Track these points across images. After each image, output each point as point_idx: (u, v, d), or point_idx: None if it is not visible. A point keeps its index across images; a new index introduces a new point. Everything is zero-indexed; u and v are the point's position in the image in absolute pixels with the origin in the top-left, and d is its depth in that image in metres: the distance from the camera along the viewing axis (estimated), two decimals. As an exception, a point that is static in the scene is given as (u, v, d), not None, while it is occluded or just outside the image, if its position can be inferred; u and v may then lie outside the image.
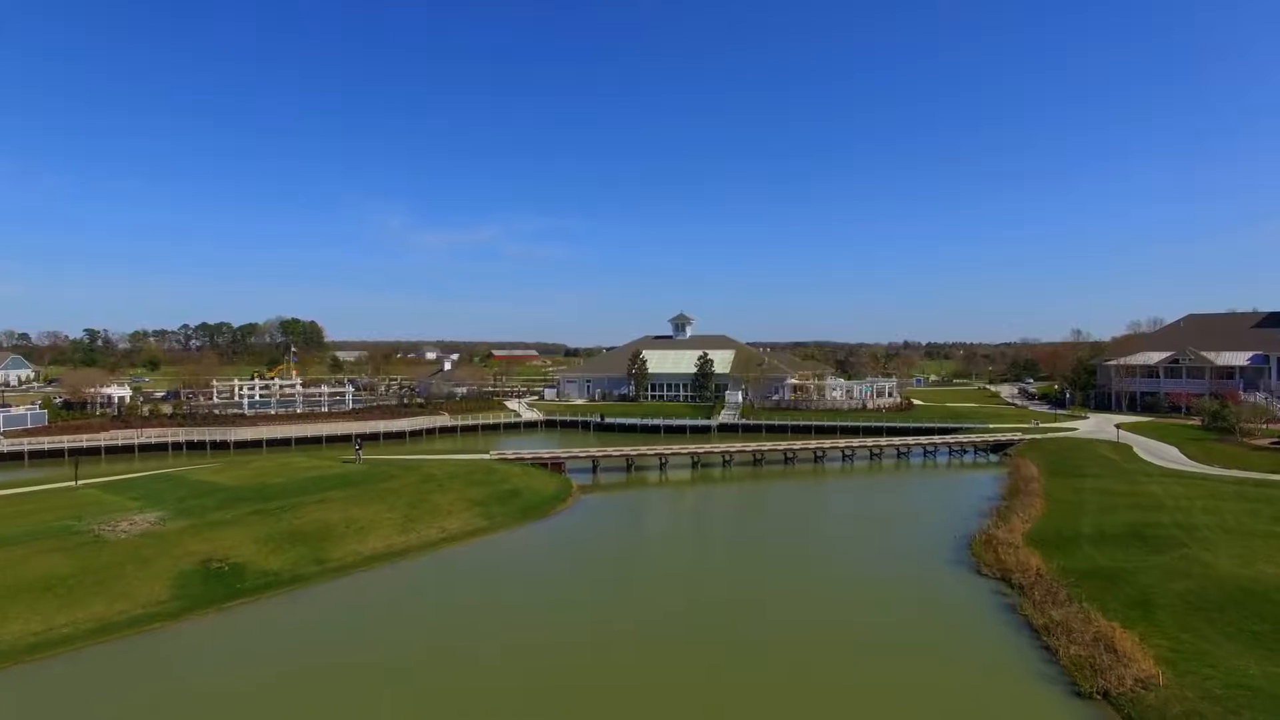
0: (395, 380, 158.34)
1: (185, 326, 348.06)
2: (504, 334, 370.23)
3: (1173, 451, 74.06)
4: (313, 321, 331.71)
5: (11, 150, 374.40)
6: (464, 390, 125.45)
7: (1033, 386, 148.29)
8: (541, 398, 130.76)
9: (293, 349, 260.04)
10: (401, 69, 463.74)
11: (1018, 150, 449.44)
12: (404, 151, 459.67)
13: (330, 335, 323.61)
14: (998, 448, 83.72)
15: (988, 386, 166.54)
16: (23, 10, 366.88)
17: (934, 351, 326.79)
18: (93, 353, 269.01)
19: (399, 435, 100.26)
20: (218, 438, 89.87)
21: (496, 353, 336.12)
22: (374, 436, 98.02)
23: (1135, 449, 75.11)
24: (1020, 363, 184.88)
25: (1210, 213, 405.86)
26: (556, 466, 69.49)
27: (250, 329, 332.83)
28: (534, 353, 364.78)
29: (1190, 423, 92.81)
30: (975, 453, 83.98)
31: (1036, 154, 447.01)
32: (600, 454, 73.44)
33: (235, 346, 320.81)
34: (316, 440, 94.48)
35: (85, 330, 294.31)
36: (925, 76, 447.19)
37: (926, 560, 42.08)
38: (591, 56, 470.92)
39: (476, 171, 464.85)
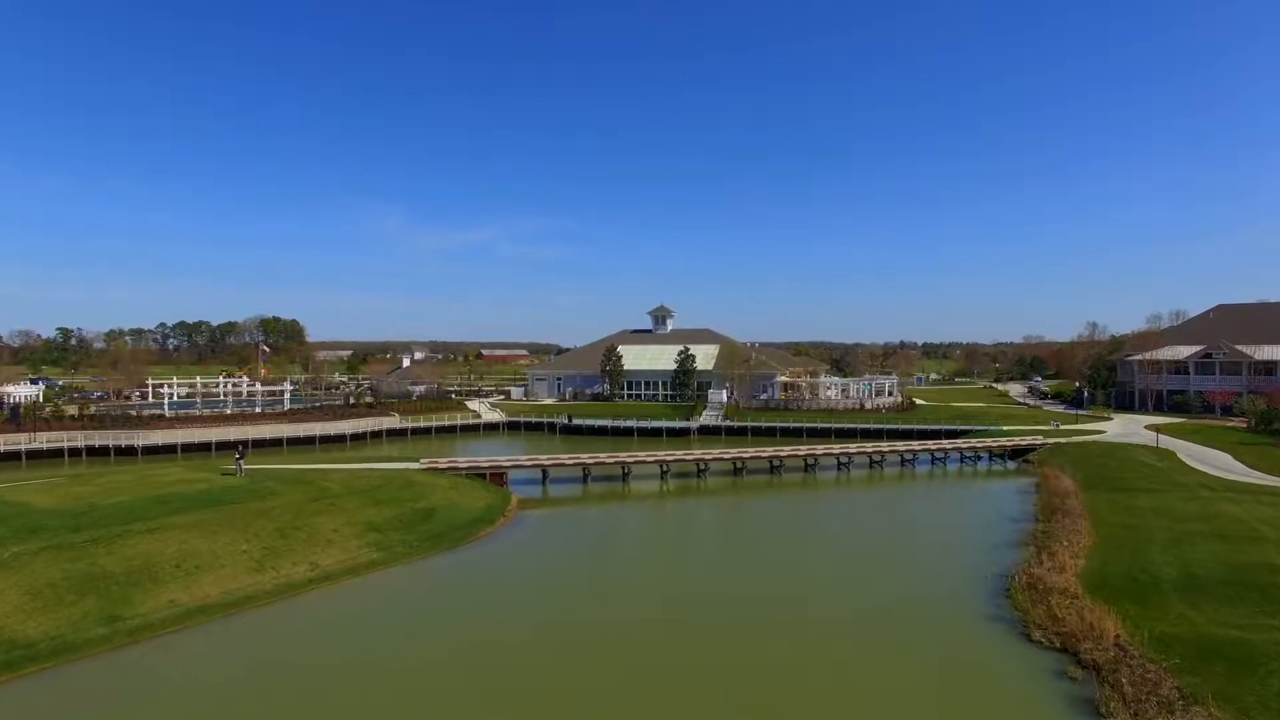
0: (355, 379, 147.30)
1: (163, 325, 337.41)
2: (499, 334, 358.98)
3: (1225, 459, 63.06)
4: (293, 320, 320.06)
5: (8, 151, 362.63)
6: (422, 389, 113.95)
7: (1044, 385, 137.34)
8: (508, 397, 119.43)
9: (263, 347, 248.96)
10: (399, 70, 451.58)
11: (1017, 149, 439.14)
12: (402, 152, 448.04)
13: (329, 336, 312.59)
14: (1016, 453, 72.76)
15: (994, 385, 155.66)
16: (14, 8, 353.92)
17: (931, 351, 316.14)
18: (65, 352, 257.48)
19: (338, 439, 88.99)
20: (123, 442, 78.41)
21: (487, 353, 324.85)
22: (309, 440, 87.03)
23: (1180, 455, 64.12)
24: (1027, 360, 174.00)
25: (1211, 211, 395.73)
26: (497, 477, 58.23)
27: (229, 328, 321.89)
28: (525, 353, 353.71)
29: (1231, 424, 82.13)
30: (990, 459, 72.98)
31: (1036, 153, 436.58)
32: (550, 462, 62.11)
33: (214, 346, 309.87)
34: (242, 445, 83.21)
35: (58, 329, 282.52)
36: (925, 77, 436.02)
37: (951, 615, 30.86)
38: (590, 57, 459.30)
39: (474, 172, 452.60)
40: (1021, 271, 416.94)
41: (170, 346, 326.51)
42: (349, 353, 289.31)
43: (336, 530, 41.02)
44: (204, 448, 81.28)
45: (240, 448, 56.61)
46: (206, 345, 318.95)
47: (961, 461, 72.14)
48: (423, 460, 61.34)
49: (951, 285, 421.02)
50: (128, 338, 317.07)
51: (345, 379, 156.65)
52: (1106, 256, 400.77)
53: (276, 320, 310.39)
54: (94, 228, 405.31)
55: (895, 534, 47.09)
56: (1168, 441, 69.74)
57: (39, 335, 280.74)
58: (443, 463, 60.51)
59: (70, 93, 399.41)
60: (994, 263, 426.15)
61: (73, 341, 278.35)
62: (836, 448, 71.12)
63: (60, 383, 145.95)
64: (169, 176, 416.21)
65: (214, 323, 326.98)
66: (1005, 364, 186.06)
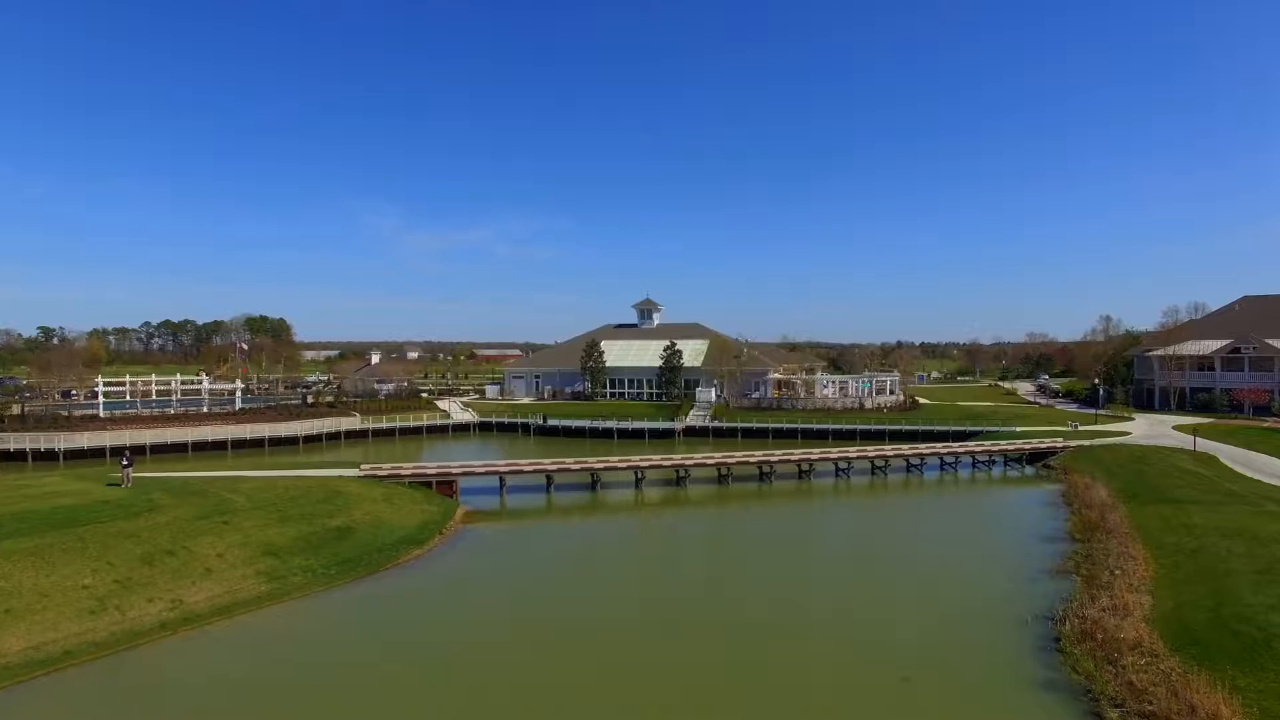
0: (328, 377, 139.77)
1: (147, 324, 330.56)
2: (497, 335, 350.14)
3: (1278, 465, 55.58)
4: (280, 319, 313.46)
5: (3, 151, 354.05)
6: (390, 388, 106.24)
7: (1055, 383, 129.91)
8: (483, 396, 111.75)
9: (240, 346, 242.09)
10: (397, 72, 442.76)
11: (1016, 150, 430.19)
12: (399, 153, 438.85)
13: (326, 337, 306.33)
14: (1035, 457, 65.29)
15: (999, 383, 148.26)
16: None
17: (929, 351, 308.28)
18: (47, 351, 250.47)
19: (290, 441, 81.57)
20: (41, 446, 70.87)
21: (481, 353, 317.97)
22: (257, 443, 79.52)
23: (1223, 460, 56.68)
24: (1033, 358, 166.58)
25: (1209, 212, 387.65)
26: (445, 485, 50.69)
27: (215, 327, 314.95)
28: (518, 353, 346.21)
29: (1267, 424, 74.75)
30: (1006, 463, 65.47)
31: (1035, 154, 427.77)
32: (508, 468, 54.49)
33: (199, 346, 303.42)
34: (180, 448, 75.86)
35: (39, 328, 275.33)
36: (925, 76, 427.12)
37: (987, 678, 23.32)
38: (589, 57, 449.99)
39: (471, 172, 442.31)
40: (1021, 271, 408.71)
41: (155, 346, 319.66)
42: (336, 353, 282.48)
43: (221, 555, 33.36)
44: (137, 450, 73.57)
45: (126, 454, 48.75)
46: (192, 345, 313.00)
47: (974, 466, 64.66)
48: (363, 466, 53.66)
49: (950, 285, 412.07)
50: (111, 337, 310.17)
51: (318, 377, 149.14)
52: (1108, 254, 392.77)
53: (263, 319, 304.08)
54: (89, 227, 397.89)
55: (906, 558, 39.45)
56: (1204, 444, 62.32)
57: (20, 335, 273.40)
58: (384, 469, 52.83)
59: (66, 92, 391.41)
60: (994, 262, 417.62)
61: (55, 341, 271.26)
62: (834, 452, 63.50)
63: (23, 381, 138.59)
64: (166, 176, 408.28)
65: (200, 322, 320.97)
66: (1011, 361, 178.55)
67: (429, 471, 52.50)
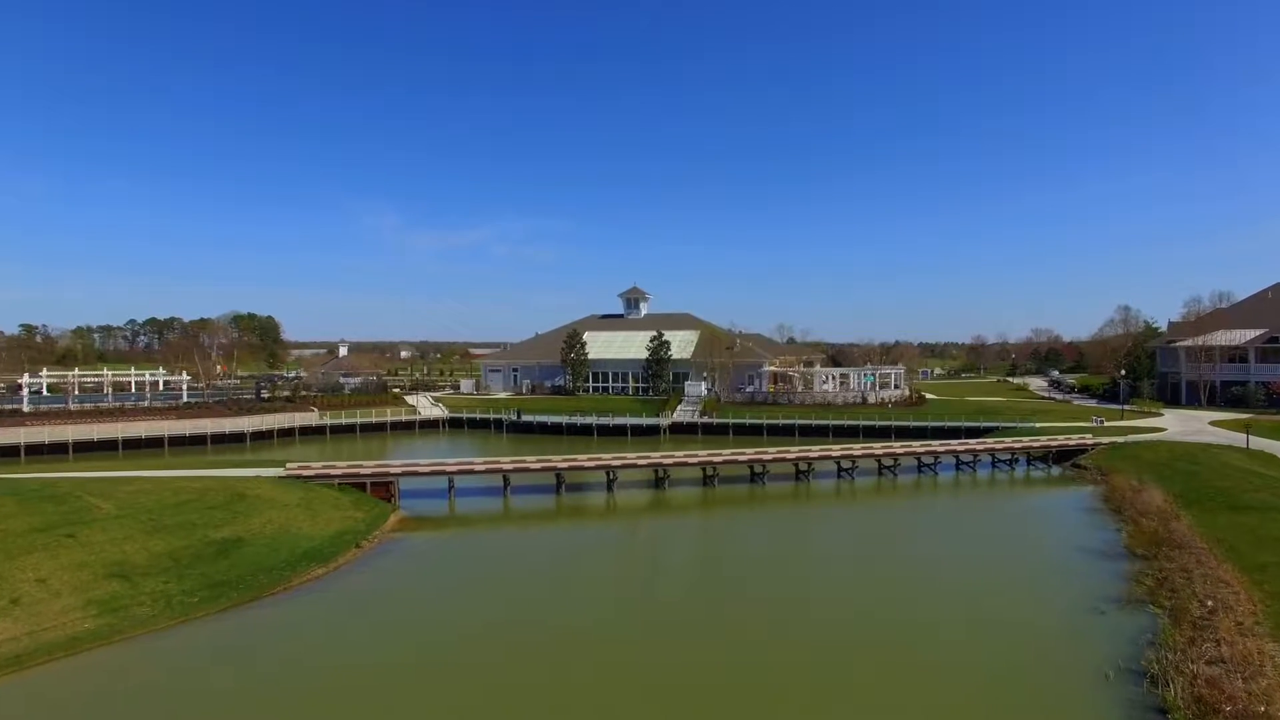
0: (302, 373, 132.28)
1: (132, 322, 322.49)
2: (494, 334, 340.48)
3: (1348, 463, 48.04)
4: (269, 317, 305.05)
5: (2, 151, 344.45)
6: (356, 382, 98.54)
7: (1071, 378, 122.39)
8: (457, 390, 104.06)
9: (218, 342, 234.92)
10: (396, 72, 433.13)
11: (1016, 150, 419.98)
12: (398, 153, 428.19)
13: (323, 336, 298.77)
14: (1062, 456, 57.81)
15: (1008, 379, 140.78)
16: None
17: (928, 350, 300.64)
18: (31, 350, 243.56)
19: (237, 438, 73.96)
20: (-54, 444, 63.23)
21: (475, 351, 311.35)
22: (199, 439, 71.96)
23: (1284, 459, 49.21)
24: (1042, 353, 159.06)
25: (1209, 212, 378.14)
26: (381, 487, 43.14)
27: (202, 325, 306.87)
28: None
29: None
30: (1028, 463, 57.99)
31: (1035, 154, 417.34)
32: (457, 468, 46.79)
33: (188, 344, 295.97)
34: (110, 445, 68.24)
35: (21, 325, 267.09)
36: (924, 76, 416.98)
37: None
38: (587, 57, 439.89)
39: (470, 173, 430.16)
40: (1022, 270, 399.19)
41: (141, 344, 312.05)
42: (324, 351, 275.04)
43: (45, 580, 25.73)
44: (59, 449, 66.27)
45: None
46: (179, 342, 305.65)
47: (994, 466, 57.15)
48: (288, 465, 46.04)
49: (950, 285, 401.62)
50: (96, 335, 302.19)
51: (292, 373, 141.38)
52: (1109, 253, 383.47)
53: (252, 317, 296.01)
54: (89, 228, 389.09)
55: (929, 580, 31.73)
56: (1261, 442, 54.78)
57: (2, 332, 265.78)
58: (312, 468, 45.24)
59: (66, 92, 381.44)
60: (995, 262, 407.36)
61: (37, 339, 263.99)
62: (837, 449, 55.88)
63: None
64: (166, 177, 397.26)
65: (186, 319, 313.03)
66: (1019, 358, 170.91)
67: (363, 471, 44.85)
